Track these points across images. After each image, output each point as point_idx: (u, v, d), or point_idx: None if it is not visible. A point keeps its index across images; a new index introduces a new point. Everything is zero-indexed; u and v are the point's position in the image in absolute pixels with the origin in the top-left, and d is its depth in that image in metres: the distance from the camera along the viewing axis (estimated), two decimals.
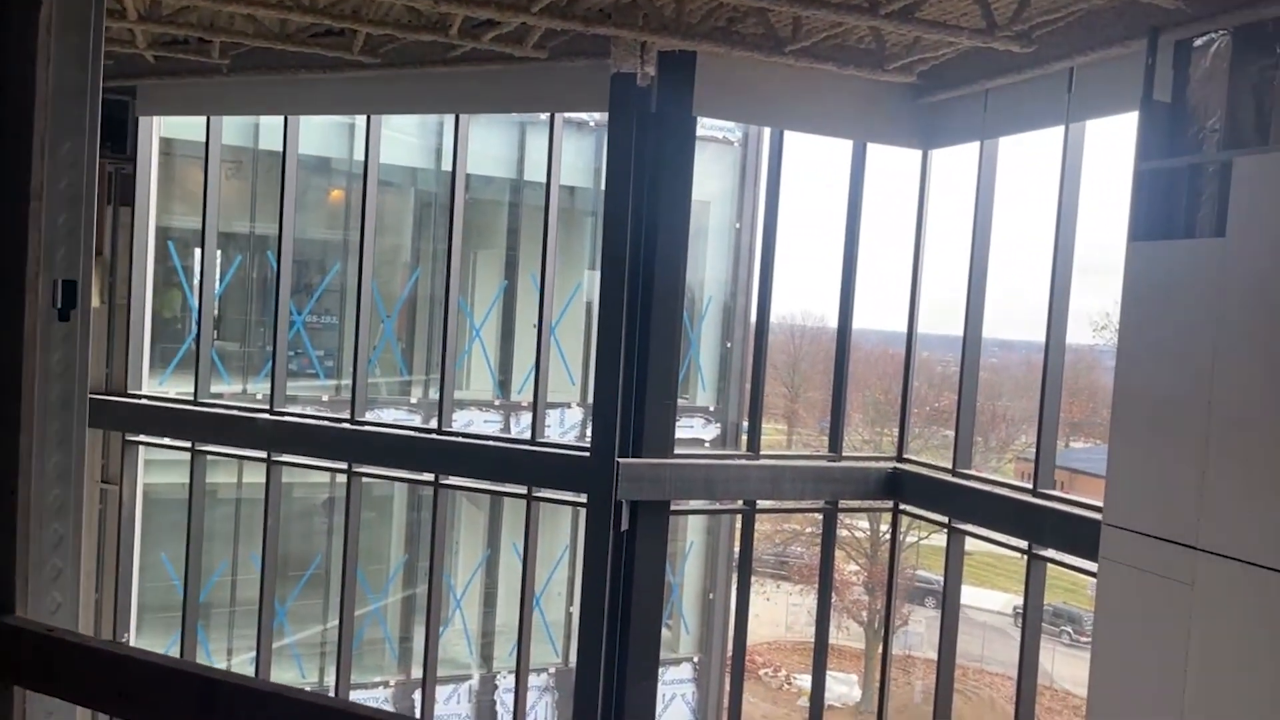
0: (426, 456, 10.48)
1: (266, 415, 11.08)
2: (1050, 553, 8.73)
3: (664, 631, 14.68)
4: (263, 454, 11.08)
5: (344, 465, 10.89)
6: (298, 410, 12.17)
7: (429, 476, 10.52)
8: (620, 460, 9.17)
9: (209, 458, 11.75)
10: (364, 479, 11.04)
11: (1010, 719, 9.53)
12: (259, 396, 12.61)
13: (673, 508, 9.85)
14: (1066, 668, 24.77)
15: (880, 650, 11.53)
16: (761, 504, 10.40)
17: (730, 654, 12.27)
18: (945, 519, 9.85)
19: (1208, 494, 6.31)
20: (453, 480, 10.64)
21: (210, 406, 11.50)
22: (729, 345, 14.40)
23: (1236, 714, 6.09)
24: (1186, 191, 6.66)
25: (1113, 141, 9.07)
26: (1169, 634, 6.52)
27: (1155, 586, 6.66)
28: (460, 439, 10.49)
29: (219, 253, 13.14)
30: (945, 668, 10.19)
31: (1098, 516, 7.12)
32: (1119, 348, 7.02)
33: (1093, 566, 7.23)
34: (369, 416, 12.75)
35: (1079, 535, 7.85)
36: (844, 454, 10.63)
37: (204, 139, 11.53)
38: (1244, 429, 6.12)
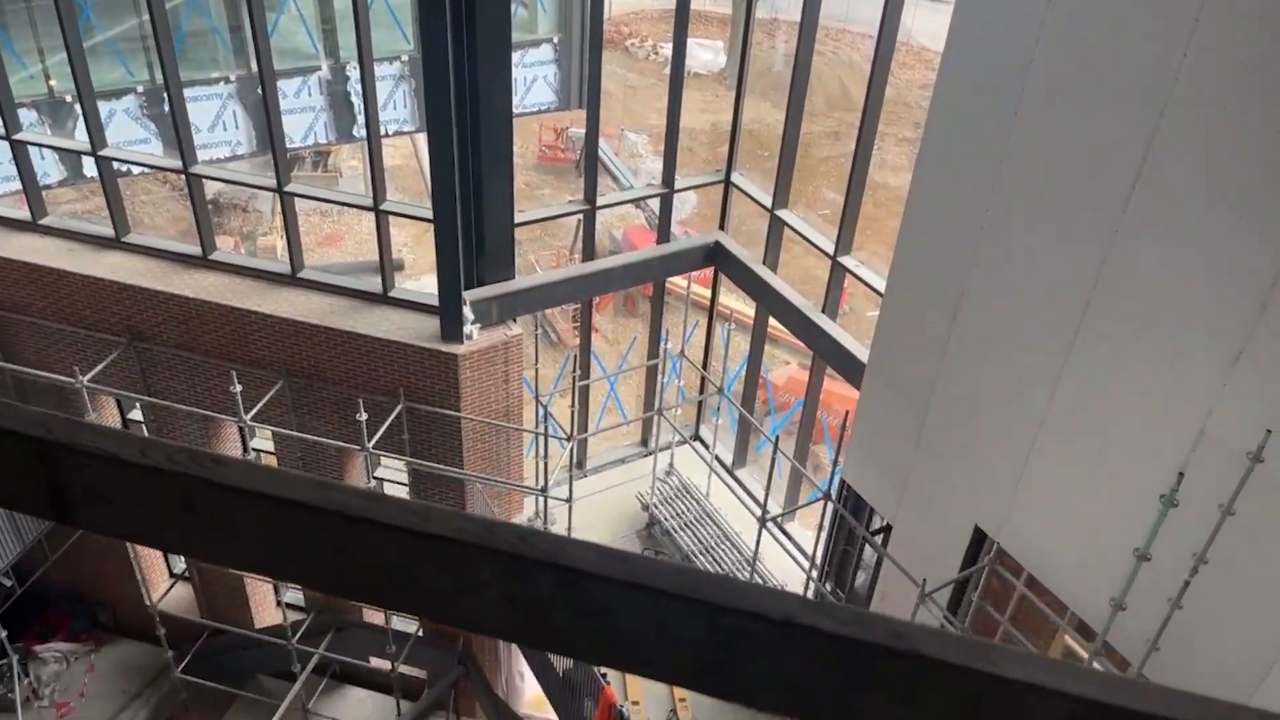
0: None
1: None
2: None
3: (520, 12, 13.83)
4: None
5: None
6: None
7: None
8: None
9: None
10: None
11: (866, 77, 9.67)
12: None
13: None
14: (928, 23, 25.03)
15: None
16: None
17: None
18: None
19: None
20: None
21: None
22: None
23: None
24: None
25: None
26: None
27: None
28: None
29: None
30: (807, 31, 10.01)
31: None
32: None
33: None
34: None
35: None
36: None
37: None
38: None
